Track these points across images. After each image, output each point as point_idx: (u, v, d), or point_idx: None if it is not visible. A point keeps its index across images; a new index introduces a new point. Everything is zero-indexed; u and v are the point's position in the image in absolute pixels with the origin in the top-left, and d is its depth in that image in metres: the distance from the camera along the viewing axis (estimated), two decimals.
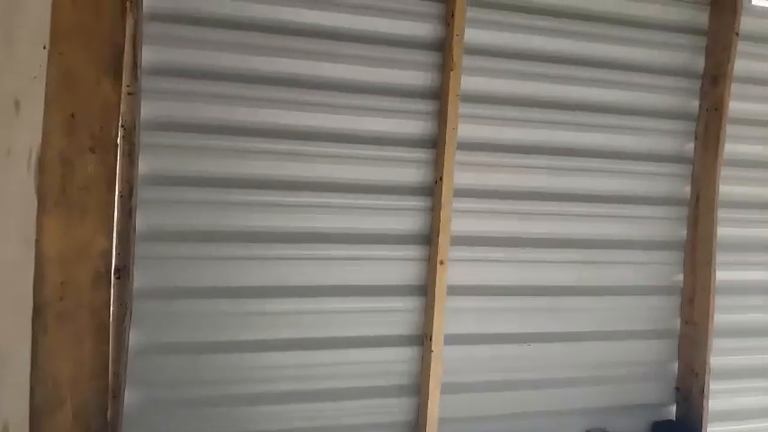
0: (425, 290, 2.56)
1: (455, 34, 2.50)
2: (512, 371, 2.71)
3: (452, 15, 2.48)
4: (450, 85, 2.50)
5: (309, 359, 2.47)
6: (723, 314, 2.92)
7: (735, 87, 2.84)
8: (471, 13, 2.54)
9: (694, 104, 2.90)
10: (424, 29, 2.54)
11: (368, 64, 2.49)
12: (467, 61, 2.55)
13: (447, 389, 2.58)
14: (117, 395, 2.16)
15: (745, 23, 2.85)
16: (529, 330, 2.72)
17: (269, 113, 2.39)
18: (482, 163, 2.62)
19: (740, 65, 2.85)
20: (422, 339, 2.56)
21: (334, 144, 2.48)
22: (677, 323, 2.93)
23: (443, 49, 2.53)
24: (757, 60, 2.94)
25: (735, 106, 2.86)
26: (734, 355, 2.99)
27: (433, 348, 2.51)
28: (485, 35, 2.60)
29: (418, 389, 2.56)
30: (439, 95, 2.54)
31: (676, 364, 2.93)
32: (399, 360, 2.57)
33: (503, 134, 2.65)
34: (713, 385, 2.87)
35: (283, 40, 2.39)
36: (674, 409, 2.93)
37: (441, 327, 2.51)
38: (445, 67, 2.52)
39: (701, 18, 2.88)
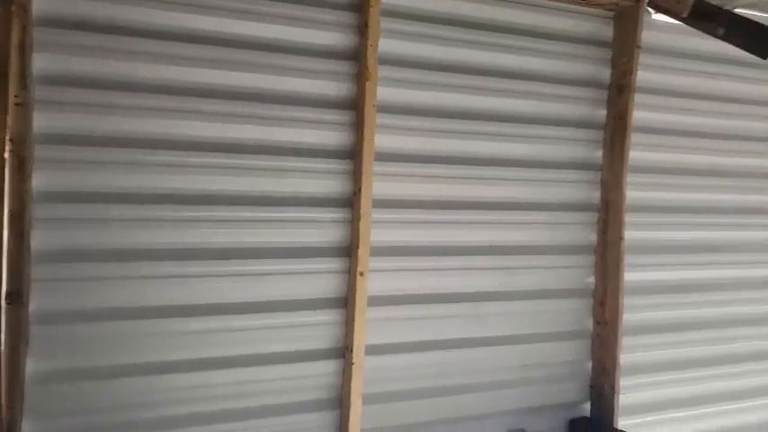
0: (346, 302, 2.53)
1: (369, 44, 2.49)
2: (433, 378, 2.73)
3: (366, 25, 2.46)
4: (367, 95, 2.49)
5: (227, 378, 2.39)
6: (632, 313, 3.06)
7: (638, 97, 2.98)
8: (385, 23, 2.53)
9: (602, 114, 3.03)
10: (339, 38, 2.51)
11: (281, 74, 2.43)
12: (383, 71, 2.54)
13: (369, 400, 2.56)
14: (12, 429, 2.01)
15: (647, 37, 3.00)
16: (449, 337, 2.75)
17: (179, 125, 2.29)
18: (400, 173, 2.62)
19: (643, 76, 2.99)
20: (343, 352, 2.53)
21: (249, 156, 2.41)
22: (590, 324, 3.05)
23: (358, 59, 2.52)
24: (658, 72, 3.09)
25: (639, 115, 3.00)
26: (643, 351, 3.14)
27: (353, 360, 2.49)
28: (399, 45, 2.60)
29: (340, 401, 2.53)
30: (355, 106, 2.52)
31: (590, 363, 3.05)
32: (320, 374, 2.53)
33: (419, 144, 2.66)
34: (624, 381, 3.01)
35: (192, 49, 2.30)
36: (588, 406, 3.05)
37: (362, 338, 2.49)
38: (360, 78, 2.50)
39: (606, 31, 3.00)
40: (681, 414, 3.23)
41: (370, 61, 2.49)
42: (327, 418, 2.54)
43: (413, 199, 2.66)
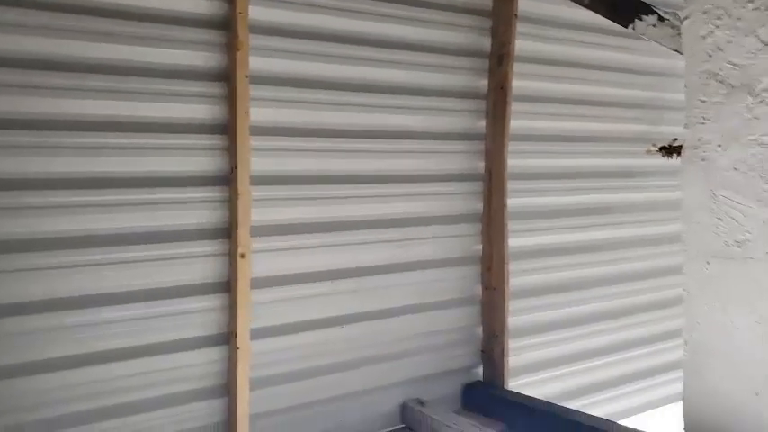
0: (228, 285, 2.43)
1: (239, 12, 2.34)
2: (326, 355, 2.69)
3: None
4: (238, 65, 2.35)
5: (108, 373, 2.24)
6: (518, 277, 3.17)
7: (518, 66, 3.03)
8: None
9: (483, 83, 3.06)
10: (207, 5, 2.35)
11: (145, 44, 2.25)
12: (255, 41, 2.41)
13: (259, 384, 2.49)
14: None
15: (525, 6, 3.05)
16: (341, 313, 2.72)
17: (35, 102, 2.07)
18: (279, 148, 2.53)
19: (522, 45, 3.05)
20: (227, 337, 2.44)
21: (112, 134, 2.22)
22: (479, 290, 3.13)
23: (228, 28, 2.37)
24: (536, 41, 3.16)
25: (518, 84, 3.06)
26: (529, 313, 3.27)
27: (239, 345, 2.39)
28: (273, 13, 2.48)
29: (227, 388, 2.44)
30: (227, 77, 2.38)
31: (480, 328, 3.14)
32: (205, 362, 2.42)
33: (299, 117, 2.57)
34: (513, 343, 3.13)
35: (43, 17, 2.06)
36: (481, 370, 3.14)
37: (246, 322, 2.40)
38: (231, 47, 2.36)
39: (485, 0, 3.02)
40: (567, 370, 3.41)
41: (241, 30, 2.35)
42: (216, 405, 2.45)
43: (294, 175, 2.57)
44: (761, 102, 1.88)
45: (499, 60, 3.03)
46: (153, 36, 2.27)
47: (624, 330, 3.59)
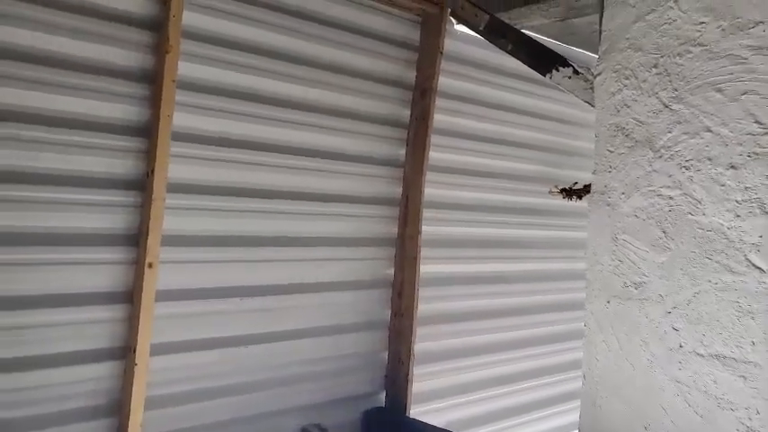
0: (131, 296, 2.28)
1: (172, 14, 2.26)
2: (225, 376, 2.58)
3: None
4: (166, 68, 2.26)
5: None
6: (427, 304, 3.23)
7: (440, 101, 3.15)
8: None
9: (406, 114, 3.14)
10: (138, 4, 2.25)
11: (72, 37, 2.12)
12: (186, 46, 2.34)
13: (154, 404, 2.34)
14: None
15: (451, 45, 3.18)
16: (245, 332, 2.63)
17: None
18: (198, 156, 2.44)
19: (445, 81, 3.17)
20: (124, 352, 2.28)
21: (25, 126, 2.05)
22: (388, 314, 3.16)
23: (160, 30, 2.28)
24: (459, 79, 3.30)
25: (439, 118, 3.17)
26: (436, 340, 3.33)
27: (137, 361, 2.24)
28: (207, 20, 2.42)
29: (119, 407, 2.27)
30: (154, 79, 2.28)
31: (386, 354, 3.15)
32: (98, 377, 2.25)
33: (221, 127, 2.50)
34: (418, 369, 3.17)
35: None
36: (383, 396, 3.15)
37: (147, 337, 2.26)
38: (161, 49, 2.27)
39: (415, 35, 3.13)
40: (470, 398, 3.49)
41: (172, 33, 2.26)
42: (105, 426, 2.27)
43: (211, 185, 2.48)
44: (660, 157, 2.08)
45: (422, 93, 3.13)
46: (78, 29, 2.13)
47: (526, 360, 3.74)
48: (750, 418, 1.82)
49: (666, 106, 2.06)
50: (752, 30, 1.87)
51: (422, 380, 3.22)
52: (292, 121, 2.72)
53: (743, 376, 1.85)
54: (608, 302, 2.19)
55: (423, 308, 3.16)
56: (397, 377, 3.12)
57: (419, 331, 3.14)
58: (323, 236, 2.86)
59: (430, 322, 3.27)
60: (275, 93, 2.65)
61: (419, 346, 3.16)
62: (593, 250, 2.25)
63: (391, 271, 3.15)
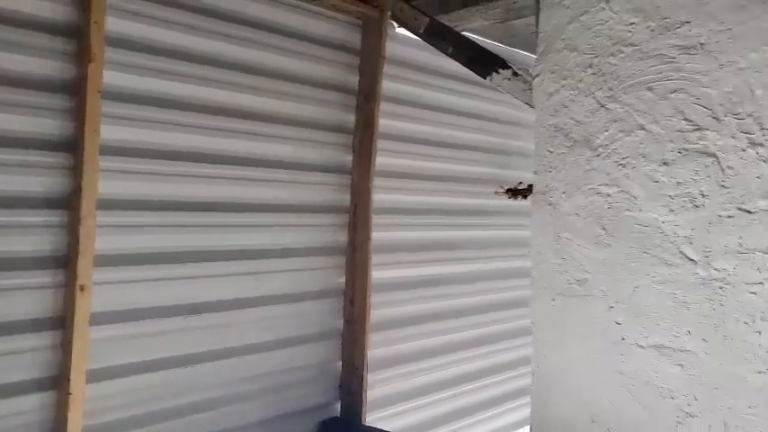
0: (63, 322, 2.15)
1: (93, 21, 2.15)
2: (173, 398, 2.48)
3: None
4: (90, 78, 2.14)
5: None
6: (379, 310, 3.20)
7: (383, 105, 3.12)
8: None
9: (351, 119, 3.10)
10: (56, 11, 2.13)
11: None
12: (112, 54, 2.23)
13: None
14: None
15: (392, 48, 3.16)
16: (190, 352, 2.52)
17: None
18: (130, 170, 2.32)
19: (386, 85, 3.15)
20: (58, 381, 2.14)
21: None
22: (340, 323, 3.11)
23: (81, 38, 2.16)
24: (400, 82, 3.29)
25: (384, 122, 3.15)
26: (389, 345, 3.31)
27: (71, 390, 2.11)
28: (130, 26, 2.31)
29: None
30: (77, 91, 2.16)
31: (340, 363, 3.11)
32: (31, 410, 2.11)
33: (155, 139, 2.40)
34: (372, 376, 3.13)
35: None
36: (338, 406, 3.10)
37: (81, 364, 2.14)
38: (83, 58, 2.15)
39: (356, 38, 3.09)
40: (425, 401, 3.48)
41: (95, 40, 2.15)
42: None
43: (143, 199, 2.37)
44: (598, 156, 2.11)
45: (366, 98, 3.10)
46: None
47: (478, 360, 3.77)
48: (689, 404, 1.87)
49: (602, 106, 2.10)
50: (678, 30, 1.92)
51: (376, 387, 3.19)
52: (231, 130, 2.63)
53: (680, 365, 1.90)
54: (553, 300, 2.21)
55: (374, 314, 3.13)
56: (351, 385, 3.08)
57: (372, 338, 3.11)
58: (270, 248, 2.79)
59: (381, 328, 3.24)
60: (212, 101, 2.56)
61: (372, 352, 3.13)
62: (537, 249, 2.26)
63: (342, 279, 3.10)
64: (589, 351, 2.09)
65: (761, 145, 1.76)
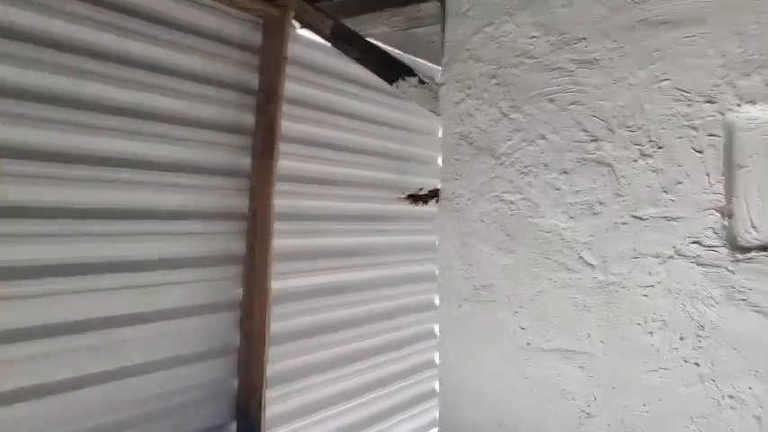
0: None
1: None
2: (53, 427, 2.19)
3: None
4: None
5: None
6: (280, 322, 3.07)
7: (285, 107, 3.01)
8: None
9: (249, 119, 2.96)
10: None
11: None
12: None
13: None
14: None
15: (293, 49, 3.06)
16: (71, 375, 2.25)
17: None
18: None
19: (288, 86, 3.04)
20: None
21: None
22: (237, 338, 2.94)
23: None
24: (302, 84, 3.19)
25: (285, 125, 3.04)
26: (290, 359, 3.18)
27: None
28: (11, 13, 2.04)
29: None
30: None
31: (237, 380, 2.93)
32: None
33: (31, 138, 2.11)
34: (272, 392, 2.99)
35: None
36: (235, 425, 2.92)
37: None
38: None
39: (256, 37, 2.96)
40: (328, 413, 3.38)
41: None
42: None
43: (10, 206, 2.08)
44: (501, 164, 2.16)
45: (267, 99, 2.97)
46: None
47: (382, 367, 3.73)
48: (589, 405, 1.95)
49: (505, 115, 2.15)
50: (576, 45, 2.02)
51: (275, 403, 3.04)
52: (117, 129, 2.39)
53: (581, 367, 1.98)
54: (460, 306, 2.22)
55: (274, 326, 2.99)
56: (249, 404, 2.91)
57: (272, 352, 2.97)
58: (159, 258, 2.56)
59: (282, 341, 3.11)
60: (97, 97, 2.31)
61: (271, 367, 2.98)
62: (443, 255, 2.27)
63: (239, 291, 2.93)
64: (495, 356, 2.13)
65: (650, 156, 1.88)
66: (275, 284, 3.00)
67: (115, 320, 2.40)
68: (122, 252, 2.42)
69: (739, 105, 1.73)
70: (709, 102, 1.78)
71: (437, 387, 2.33)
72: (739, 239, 1.74)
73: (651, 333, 1.85)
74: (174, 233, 2.62)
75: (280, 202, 3.01)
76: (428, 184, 3.91)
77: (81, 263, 2.29)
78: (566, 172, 2.03)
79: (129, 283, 2.45)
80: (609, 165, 1.95)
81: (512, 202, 2.13)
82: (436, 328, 4.20)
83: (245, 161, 2.96)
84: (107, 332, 2.36)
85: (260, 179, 2.96)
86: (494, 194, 2.17)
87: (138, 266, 2.48)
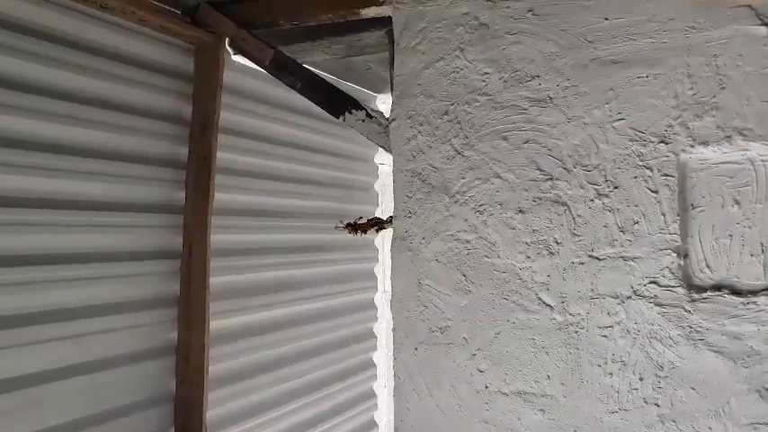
0: None
1: None
2: None
3: None
4: None
5: None
6: (219, 364, 2.88)
7: (222, 138, 2.84)
8: None
9: (183, 152, 2.77)
10: None
11: None
12: None
13: None
14: None
15: (232, 78, 2.91)
16: None
17: None
18: None
19: (228, 117, 2.89)
20: None
21: None
22: (173, 385, 2.72)
23: None
24: (237, 113, 3.04)
25: (222, 156, 2.87)
26: (225, 403, 2.98)
27: None
28: None
29: None
30: None
31: (173, 430, 2.71)
32: None
33: None
34: None
35: None
36: None
37: None
38: None
39: (189, 65, 2.78)
40: None
41: None
42: None
43: None
44: (455, 202, 2.11)
45: (202, 129, 2.79)
46: None
47: (323, 401, 3.60)
48: None
49: (459, 153, 2.11)
50: (529, 83, 2.01)
51: None
52: (37, 167, 2.16)
53: (542, 410, 1.95)
54: (416, 349, 2.15)
55: (212, 370, 2.79)
56: None
57: (211, 396, 2.77)
58: (83, 305, 2.32)
59: (220, 385, 2.91)
60: (14, 132, 2.07)
61: (212, 412, 2.78)
62: (398, 297, 2.19)
63: (174, 334, 2.72)
64: (453, 401, 2.06)
65: (606, 196, 1.89)
66: (213, 325, 2.81)
67: (39, 377, 2.14)
68: (52, 300, 2.18)
69: (692, 146, 1.77)
70: (663, 142, 1.82)
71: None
72: (695, 279, 1.77)
73: (611, 374, 1.85)
74: (105, 276, 2.40)
75: (216, 238, 2.83)
76: (367, 211, 3.85)
77: (5, 315, 2.03)
78: (521, 211, 2.01)
79: (52, 334, 2.20)
80: (565, 204, 1.94)
81: (467, 242, 2.09)
82: (375, 357, 4.14)
83: (179, 195, 2.76)
84: (25, 392, 2.10)
85: (194, 214, 2.77)
86: (449, 233, 2.12)
87: (61, 316, 2.23)
